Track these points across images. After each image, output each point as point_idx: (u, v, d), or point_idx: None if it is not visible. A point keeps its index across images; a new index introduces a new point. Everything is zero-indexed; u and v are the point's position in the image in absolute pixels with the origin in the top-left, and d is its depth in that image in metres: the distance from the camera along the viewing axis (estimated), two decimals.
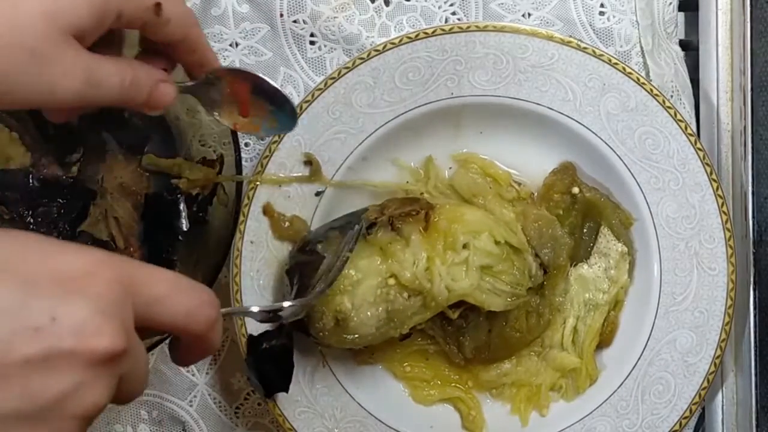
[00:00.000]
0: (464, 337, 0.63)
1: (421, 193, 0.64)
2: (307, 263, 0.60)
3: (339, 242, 0.59)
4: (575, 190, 0.64)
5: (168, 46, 0.49)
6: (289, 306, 0.55)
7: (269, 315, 0.55)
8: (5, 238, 0.38)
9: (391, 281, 0.59)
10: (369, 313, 0.59)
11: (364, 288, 0.59)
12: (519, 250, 0.62)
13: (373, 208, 0.61)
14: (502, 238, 0.61)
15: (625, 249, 0.65)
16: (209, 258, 0.59)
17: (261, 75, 0.52)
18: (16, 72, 0.42)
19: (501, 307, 0.61)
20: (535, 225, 0.64)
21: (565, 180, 0.65)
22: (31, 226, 0.63)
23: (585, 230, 0.66)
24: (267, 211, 0.62)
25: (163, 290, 0.40)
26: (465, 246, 0.60)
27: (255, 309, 0.54)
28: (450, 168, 0.65)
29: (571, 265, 0.65)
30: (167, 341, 0.63)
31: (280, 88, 0.53)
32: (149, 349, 0.59)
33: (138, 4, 0.45)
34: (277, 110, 0.54)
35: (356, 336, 0.59)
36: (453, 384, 0.66)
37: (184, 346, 0.44)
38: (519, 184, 0.66)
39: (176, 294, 0.40)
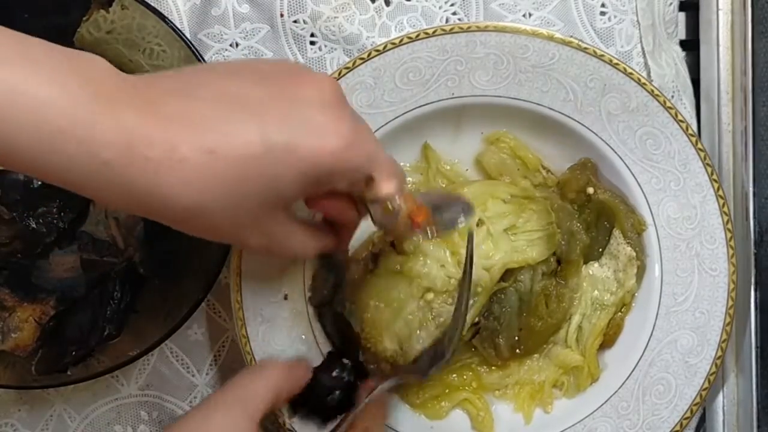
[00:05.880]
0: (498, 339, 0.63)
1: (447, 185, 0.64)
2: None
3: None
4: (590, 190, 0.64)
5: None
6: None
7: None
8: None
9: (429, 296, 0.59)
10: (423, 336, 0.59)
11: (402, 319, 0.59)
12: (529, 196, 0.62)
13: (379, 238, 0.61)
14: (506, 195, 0.61)
15: (633, 254, 0.64)
16: (210, 256, 0.59)
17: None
18: (237, 226, 0.45)
19: (545, 254, 0.61)
20: (556, 215, 0.64)
21: (581, 178, 0.64)
22: (32, 227, 0.63)
23: (599, 230, 0.65)
24: None
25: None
26: (479, 223, 0.60)
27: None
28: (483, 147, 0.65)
29: (583, 263, 0.65)
30: (166, 342, 0.63)
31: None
32: (148, 350, 0.59)
33: (352, 180, 0.47)
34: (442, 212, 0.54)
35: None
36: (461, 388, 0.65)
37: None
38: (547, 171, 0.65)
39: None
